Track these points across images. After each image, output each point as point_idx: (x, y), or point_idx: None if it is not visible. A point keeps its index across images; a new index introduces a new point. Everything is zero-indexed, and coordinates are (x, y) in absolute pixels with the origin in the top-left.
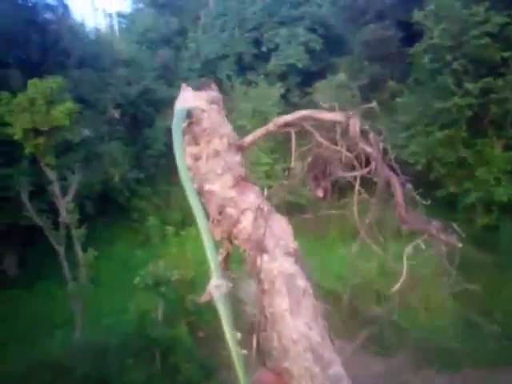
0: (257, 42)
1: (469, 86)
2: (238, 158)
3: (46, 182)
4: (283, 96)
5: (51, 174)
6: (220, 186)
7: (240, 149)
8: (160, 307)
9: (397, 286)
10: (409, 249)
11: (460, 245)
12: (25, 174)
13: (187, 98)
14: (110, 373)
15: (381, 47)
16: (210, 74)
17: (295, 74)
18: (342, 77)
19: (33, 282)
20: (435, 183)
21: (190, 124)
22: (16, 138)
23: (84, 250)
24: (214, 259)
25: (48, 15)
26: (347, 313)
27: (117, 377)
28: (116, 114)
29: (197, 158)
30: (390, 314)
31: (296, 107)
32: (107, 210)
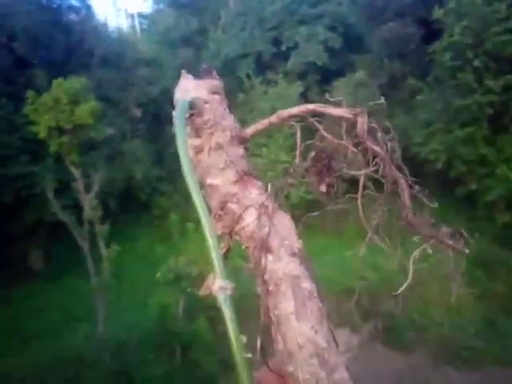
0: (276, 41)
1: (490, 83)
2: (240, 150)
3: (70, 179)
4: (302, 94)
5: (75, 172)
6: (222, 181)
7: (242, 141)
8: (180, 302)
9: (401, 289)
10: (416, 253)
11: (467, 251)
12: (50, 172)
13: (188, 87)
14: (132, 366)
15: (401, 45)
16: (230, 73)
17: (314, 72)
18: (361, 75)
19: (57, 276)
20: (455, 181)
21: (191, 115)
22: (41, 136)
23: (107, 245)
24: (218, 259)
25: (72, 16)
26: (364, 309)
27: (138, 370)
28: (138, 112)
29: (198, 151)
30: (406, 310)
31: None
32: (129, 206)
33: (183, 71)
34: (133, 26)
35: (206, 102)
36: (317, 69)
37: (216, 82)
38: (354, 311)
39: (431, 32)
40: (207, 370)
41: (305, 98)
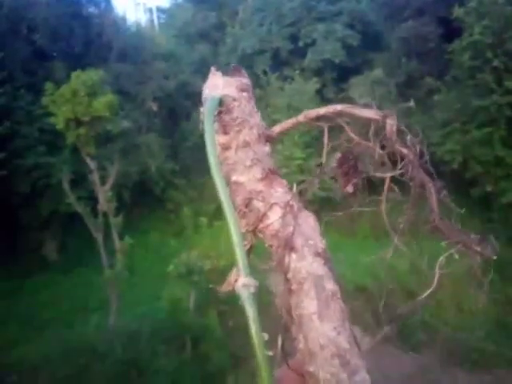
0: (294, 38)
1: (509, 84)
2: (266, 149)
3: (86, 170)
4: (319, 91)
5: (91, 164)
6: (248, 178)
7: (269, 139)
8: (192, 296)
9: (425, 294)
10: (442, 260)
11: (495, 257)
12: (66, 163)
13: (217, 84)
14: (142, 358)
15: (419, 44)
16: (247, 69)
17: (331, 69)
18: (378, 73)
19: (71, 267)
20: (471, 182)
21: (220, 112)
22: (58, 127)
23: (121, 238)
24: (242, 256)
25: (91, 9)
26: (377, 309)
27: (148, 362)
28: (154, 106)
29: (225, 148)
30: (420, 311)
31: (331, 103)
32: (143, 199)
33: (212, 68)
34: (151, 20)
35: (234, 100)
36: (334, 66)
37: (245, 80)
38: (365, 310)
39: (450, 31)
40: (217, 363)
41: (321, 95)
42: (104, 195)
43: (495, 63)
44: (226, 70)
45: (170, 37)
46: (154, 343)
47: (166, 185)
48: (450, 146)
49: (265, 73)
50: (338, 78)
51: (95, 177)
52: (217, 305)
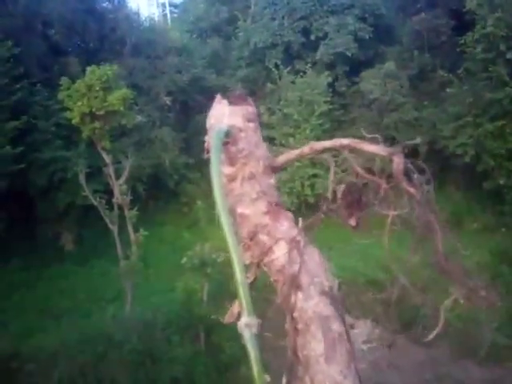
0: (305, 31)
1: None
2: (272, 180)
3: (101, 164)
4: (330, 85)
5: (106, 157)
6: (253, 211)
7: (273, 170)
8: (205, 287)
9: (433, 335)
10: (447, 303)
11: (499, 304)
12: (82, 157)
13: (223, 113)
14: (157, 348)
15: (431, 36)
16: (259, 63)
17: (343, 62)
18: (390, 66)
19: (87, 258)
20: (483, 175)
21: (226, 143)
22: (74, 122)
23: (135, 230)
24: (245, 295)
25: (105, 4)
26: (390, 301)
27: (163, 352)
28: (167, 100)
29: (231, 179)
30: (429, 303)
31: (343, 96)
32: (158, 193)
33: (218, 95)
34: (164, 15)
35: (241, 131)
36: (346, 59)
37: (251, 109)
38: (376, 302)
39: (463, 23)
40: (230, 353)
41: (333, 88)
42: (119, 188)
43: (508, 55)
44: (231, 97)
45: (183, 31)
46: (169, 333)
47: (180, 178)
48: (463, 140)
49: (277, 66)
50: (349, 71)
51: (110, 170)
52: (230, 297)
